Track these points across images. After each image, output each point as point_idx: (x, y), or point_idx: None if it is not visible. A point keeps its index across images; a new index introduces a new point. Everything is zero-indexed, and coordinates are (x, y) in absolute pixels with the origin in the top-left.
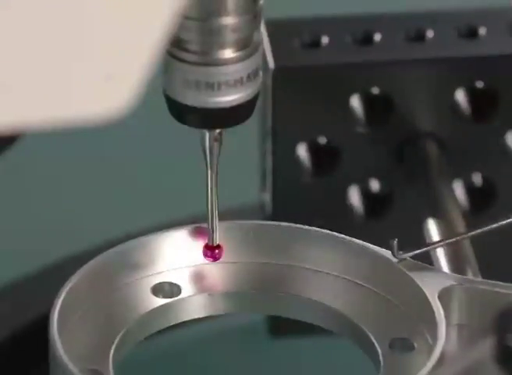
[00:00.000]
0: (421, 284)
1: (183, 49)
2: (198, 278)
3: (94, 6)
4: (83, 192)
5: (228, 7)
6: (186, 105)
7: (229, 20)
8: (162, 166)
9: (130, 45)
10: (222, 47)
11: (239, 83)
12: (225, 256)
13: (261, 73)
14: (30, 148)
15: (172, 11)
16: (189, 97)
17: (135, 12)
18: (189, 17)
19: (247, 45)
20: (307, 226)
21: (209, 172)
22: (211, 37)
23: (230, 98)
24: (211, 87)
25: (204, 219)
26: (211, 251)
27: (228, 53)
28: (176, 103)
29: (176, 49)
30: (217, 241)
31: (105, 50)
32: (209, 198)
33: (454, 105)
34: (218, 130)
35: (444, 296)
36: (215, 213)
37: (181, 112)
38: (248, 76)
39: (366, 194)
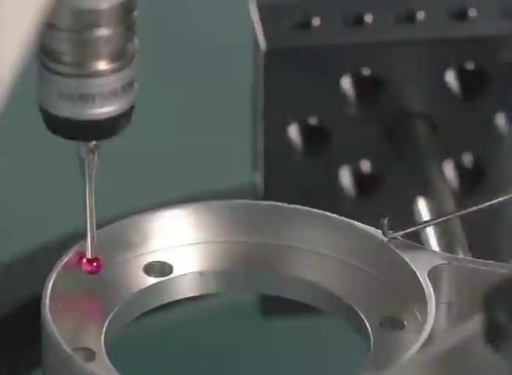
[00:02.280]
0: (411, 263)
1: (57, 61)
2: (190, 257)
3: None
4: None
5: (101, 19)
6: (61, 117)
7: (102, 32)
8: (155, 145)
9: None
10: (96, 58)
11: (113, 94)
12: (217, 235)
13: (136, 84)
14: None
15: (34, 20)
16: (63, 109)
17: None
18: (62, 28)
19: (121, 57)
20: (298, 206)
21: (86, 182)
22: (84, 48)
23: (105, 109)
24: (85, 98)
25: (196, 199)
26: (90, 264)
27: (101, 65)
28: (50, 115)
29: (49, 61)
30: (94, 253)
31: None
32: (87, 208)
33: (444, 86)
34: (93, 142)
35: (434, 275)
36: (94, 224)
37: (55, 125)
38: (123, 88)
39: (357, 174)
